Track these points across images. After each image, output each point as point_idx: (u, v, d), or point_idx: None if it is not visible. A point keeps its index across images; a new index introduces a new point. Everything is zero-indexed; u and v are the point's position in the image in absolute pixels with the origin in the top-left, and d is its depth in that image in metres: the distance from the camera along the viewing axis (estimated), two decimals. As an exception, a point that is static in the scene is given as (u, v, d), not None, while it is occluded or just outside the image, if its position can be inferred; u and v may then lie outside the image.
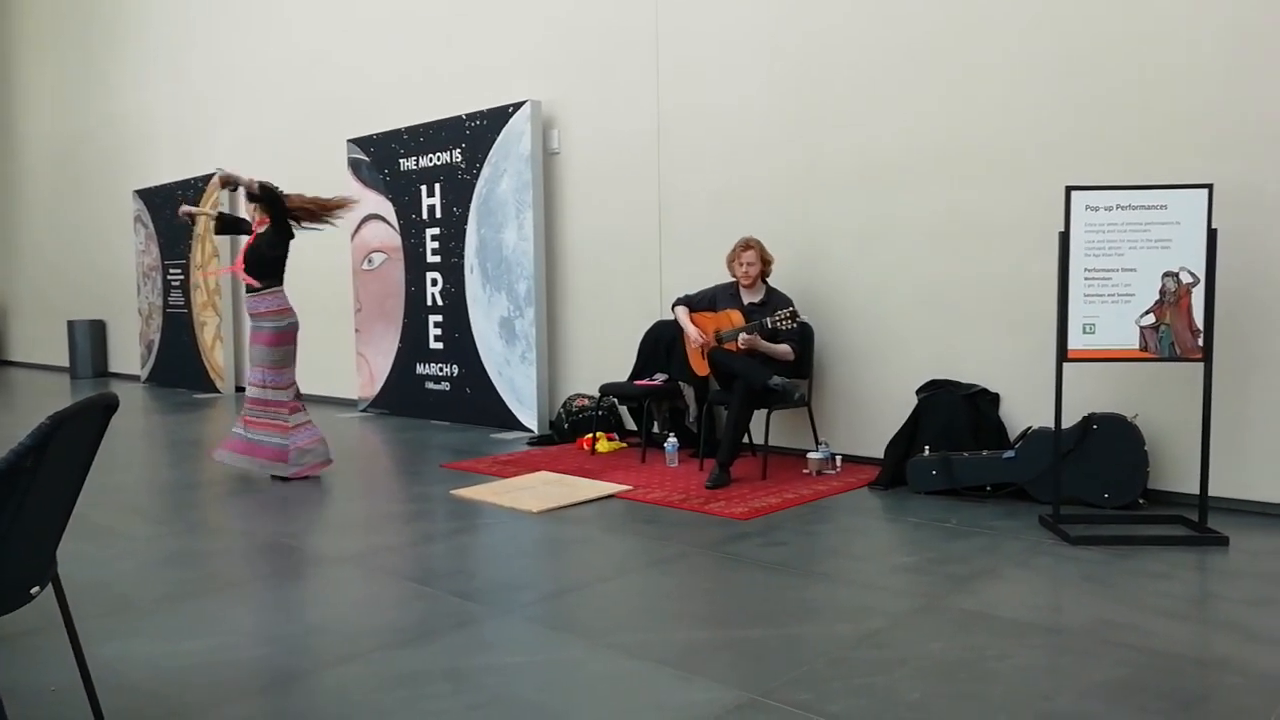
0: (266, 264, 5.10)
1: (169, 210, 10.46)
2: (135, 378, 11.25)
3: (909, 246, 5.00)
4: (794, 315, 4.74)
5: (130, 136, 11.37)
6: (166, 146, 10.83)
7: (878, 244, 5.11)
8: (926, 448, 4.58)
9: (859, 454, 5.18)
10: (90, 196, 12.21)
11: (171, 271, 10.55)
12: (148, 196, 10.86)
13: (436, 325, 7.36)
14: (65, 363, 12.12)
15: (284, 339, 5.09)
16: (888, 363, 5.09)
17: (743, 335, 4.79)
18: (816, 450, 5.05)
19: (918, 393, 4.83)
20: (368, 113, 8.10)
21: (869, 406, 5.17)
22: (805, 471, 5.00)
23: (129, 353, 11.57)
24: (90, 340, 11.91)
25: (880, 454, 4.89)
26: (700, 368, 5.22)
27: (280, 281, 5.12)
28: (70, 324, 11.89)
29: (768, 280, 5.16)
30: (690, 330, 5.17)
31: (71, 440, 2.19)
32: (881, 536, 3.96)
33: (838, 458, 5.06)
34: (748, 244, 5.05)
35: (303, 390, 8.30)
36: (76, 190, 12.46)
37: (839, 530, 4.00)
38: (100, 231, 12.06)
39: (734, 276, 5.12)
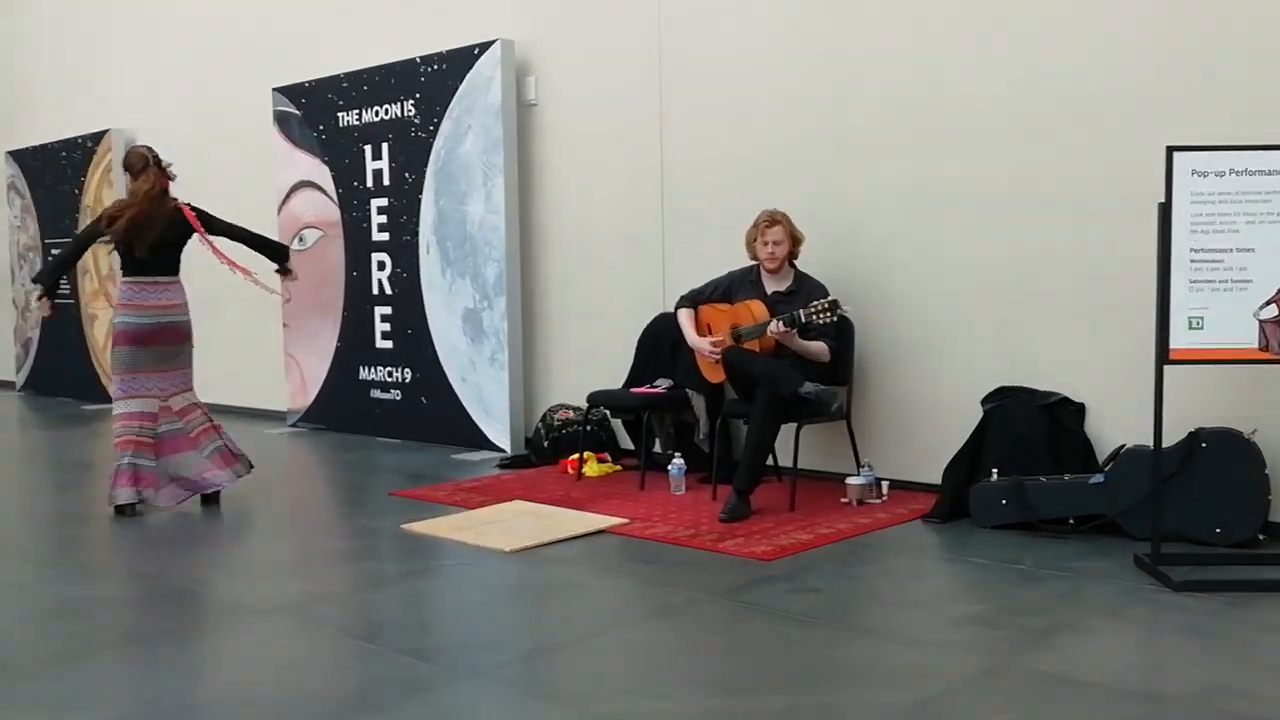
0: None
1: (49, 175, 10.47)
2: (9, 385, 11.25)
3: (968, 222, 5.01)
4: (835, 306, 4.75)
5: (1, 86, 11.37)
6: (46, 100, 10.83)
7: (929, 220, 5.13)
8: (994, 471, 4.59)
9: (910, 479, 5.20)
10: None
11: (54, 251, 10.56)
12: (24, 159, 10.87)
13: (384, 319, 7.38)
14: (-79, 366, 12.11)
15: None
16: (945, 366, 5.10)
17: (775, 325, 4.79)
18: (857, 474, 5.06)
19: (983, 403, 4.85)
20: (298, 55, 8.12)
21: (922, 420, 5.17)
22: (844, 501, 5.01)
23: (0, 354, 11.56)
24: (-48, 338, 11.90)
25: (936, 479, 4.91)
26: (713, 372, 5.23)
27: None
28: (-73, 318, 11.89)
29: (796, 264, 5.18)
30: (696, 342, 5.18)
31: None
32: (938, 581, 3.95)
33: (884, 484, 5.07)
34: (774, 218, 5.07)
35: (215, 400, 8.30)
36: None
37: (885, 573, 3.98)
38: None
39: (756, 259, 5.13)
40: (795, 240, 5.06)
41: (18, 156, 10.88)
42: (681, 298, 5.37)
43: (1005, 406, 4.75)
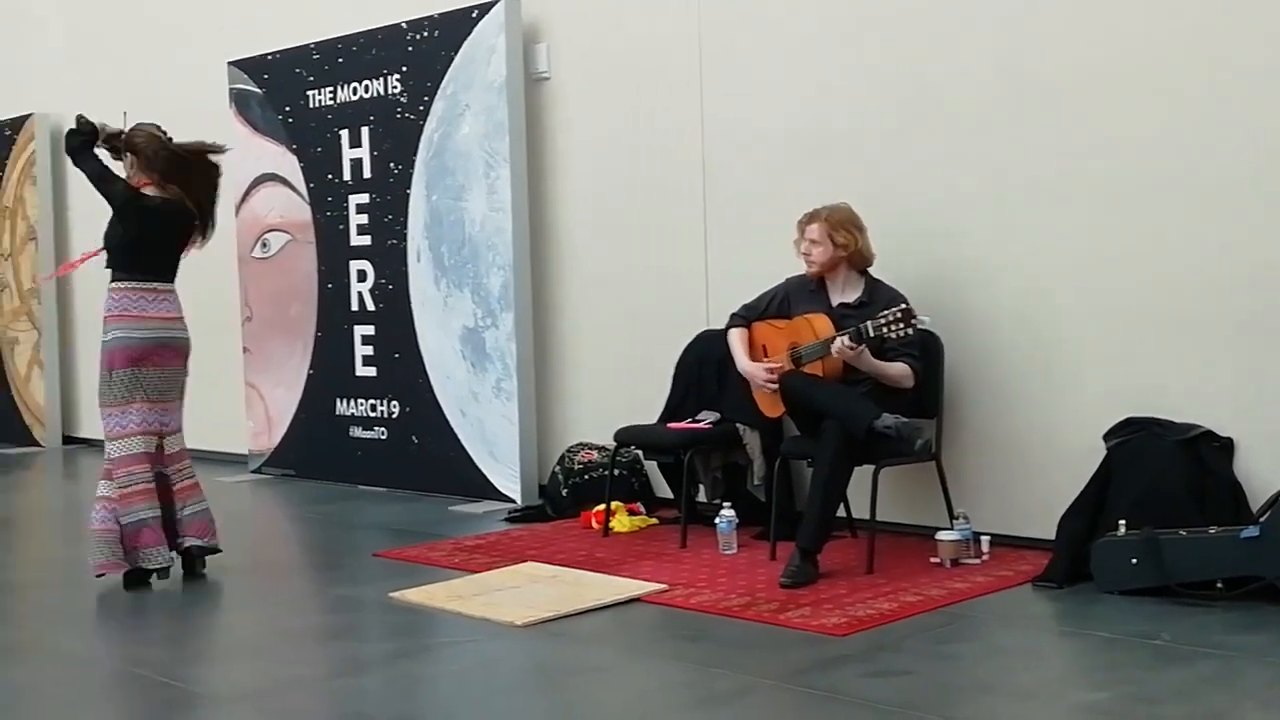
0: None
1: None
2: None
3: (1087, 217, 4.98)
4: (908, 316, 4.73)
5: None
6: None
7: (1038, 214, 5.09)
8: (1122, 524, 4.54)
9: (1016, 533, 5.15)
10: None
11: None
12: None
13: (366, 341, 7.41)
14: None
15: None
16: (1058, 393, 5.07)
17: (839, 343, 4.78)
18: (951, 529, 5.03)
19: (1106, 439, 4.81)
20: (258, 22, 8.19)
21: (1031, 461, 5.14)
22: (934, 561, 4.98)
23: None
24: None
25: (1049, 534, 4.86)
26: (770, 404, 5.22)
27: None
28: None
29: (868, 270, 5.17)
30: (749, 369, 5.18)
31: None
32: (1054, 661, 3.91)
33: (984, 540, 5.04)
34: (811, 215, 5.10)
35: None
36: None
37: (988, 651, 3.95)
38: None
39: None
40: (840, 244, 5.04)
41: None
42: (732, 315, 5.36)
43: (1134, 443, 4.70)
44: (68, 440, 9.93)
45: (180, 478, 5.21)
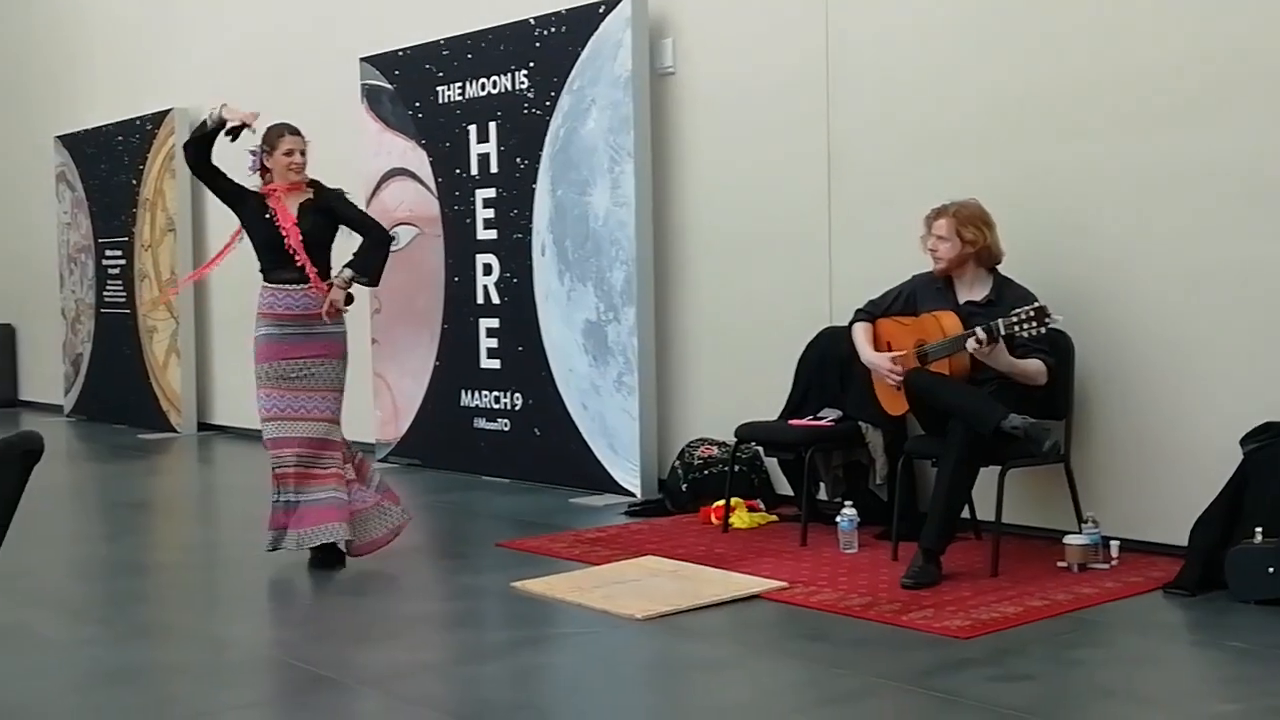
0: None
1: (104, 163, 10.99)
2: (56, 408, 11.83)
3: (1229, 214, 4.87)
4: (1042, 314, 4.66)
5: (50, 61, 11.98)
6: (101, 76, 11.37)
7: (1177, 210, 5.00)
8: (1259, 531, 4.45)
9: (1147, 539, 5.08)
10: (-3, 146, 12.90)
11: (109, 254, 11.07)
12: (75, 145, 11.43)
13: (491, 334, 7.51)
14: (-41, 386, 12.82)
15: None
16: (1194, 395, 4.97)
17: (974, 341, 4.73)
18: (1079, 532, 4.96)
19: (1243, 443, 4.70)
20: (389, 18, 8.34)
21: (1163, 464, 5.05)
22: (1062, 565, 4.92)
23: (47, 372, 12.16)
24: (-6, 354, 12.58)
25: (1181, 539, 4.78)
26: (894, 402, 5.18)
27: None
28: (-34, 331, 12.59)
29: (997, 268, 5.10)
30: (873, 359, 5.15)
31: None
32: (1184, 670, 3.85)
33: (1113, 544, 4.96)
34: (939, 211, 5.05)
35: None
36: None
37: (1115, 659, 3.90)
38: (7, 196, 12.72)
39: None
40: (968, 240, 4.98)
41: (68, 142, 11.44)
42: (857, 310, 5.34)
43: (1273, 448, 4.59)
44: (203, 427, 10.22)
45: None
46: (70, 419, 11.37)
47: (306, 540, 5.17)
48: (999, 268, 5.12)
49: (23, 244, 12.42)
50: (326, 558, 5.24)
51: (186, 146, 5.47)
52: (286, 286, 5.30)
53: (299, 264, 5.26)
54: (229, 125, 5.26)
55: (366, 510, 5.29)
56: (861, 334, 5.27)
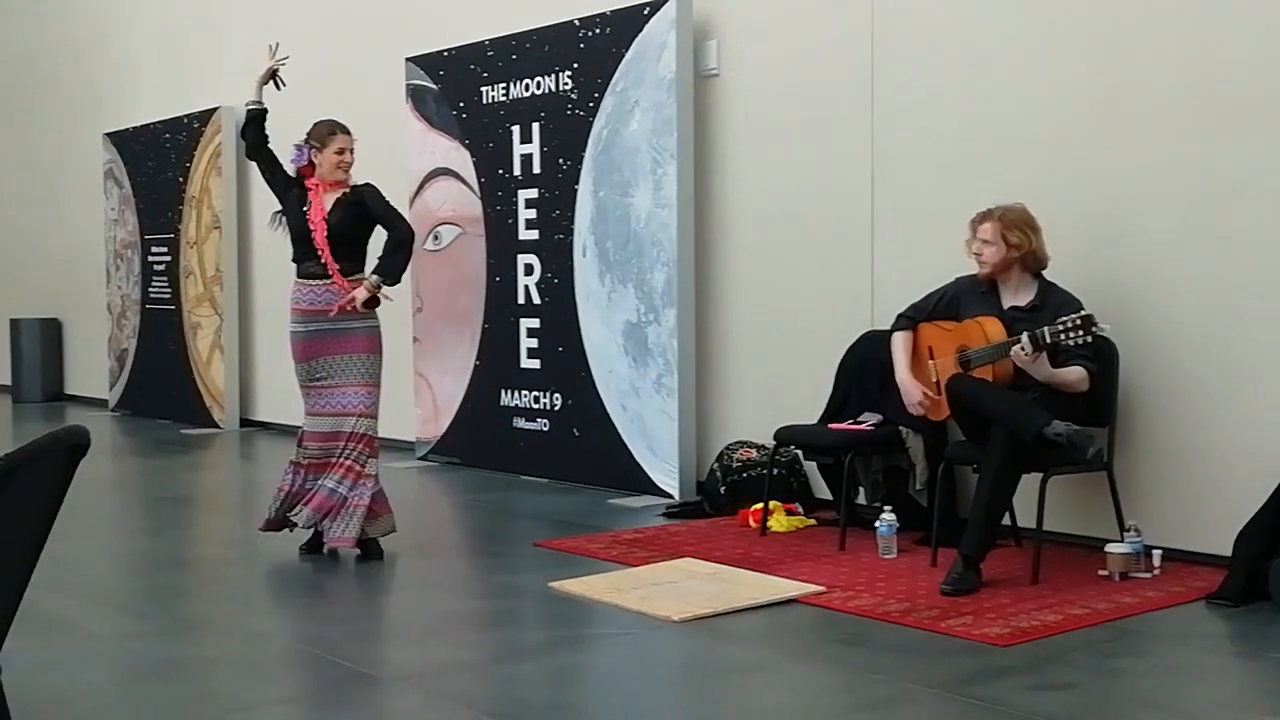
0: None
1: (151, 161, 11.09)
2: (101, 403, 11.95)
3: (1268, 220, 4.82)
4: (1088, 323, 4.63)
5: (99, 59, 12.11)
6: (148, 74, 11.48)
7: (1226, 215, 4.95)
8: (1304, 541, 4.39)
9: (1190, 548, 5.04)
10: (42, 143, 13.05)
11: (155, 250, 11.18)
12: (123, 142, 11.55)
13: (531, 334, 7.52)
14: (6, 380, 12.96)
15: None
16: (1239, 403, 4.92)
17: (1017, 349, 4.70)
18: (1121, 541, 4.93)
19: (1289, 453, 4.65)
20: (434, 19, 8.38)
21: (1208, 473, 5.00)
22: (1103, 573, 4.88)
23: (93, 367, 12.30)
24: (41, 349, 12.73)
25: (1225, 549, 4.73)
26: (934, 408, 5.16)
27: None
28: (14, 325, 12.74)
29: (1042, 273, 5.07)
30: (906, 383, 5.17)
31: (26, 495, 2.35)
32: (1227, 682, 3.82)
33: (1155, 553, 4.92)
34: (984, 215, 5.03)
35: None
36: (23, 135, 13.35)
37: (1157, 669, 3.88)
38: (56, 192, 12.87)
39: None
40: (1013, 244, 4.95)
41: (116, 139, 11.56)
42: (899, 315, 5.31)
43: (1319, 458, 4.54)
44: (244, 422, 10.30)
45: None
46: (115, 413, 11.49)
47: (307, 520, 5.30)
48: (1044, 273, 5.09)
49: (71, 240, 12.56)
50: (313, 544, 5.40)
51: (243, 134, 5.63)
52: (310, 281, 5.39)
53: (324, 260, 5.32)
54: (260, 80, 5.56)
55: (359, 508, 5.29)
56: (900, 346, 5.24)
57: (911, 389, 5.12)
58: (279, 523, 5.39)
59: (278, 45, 5.64)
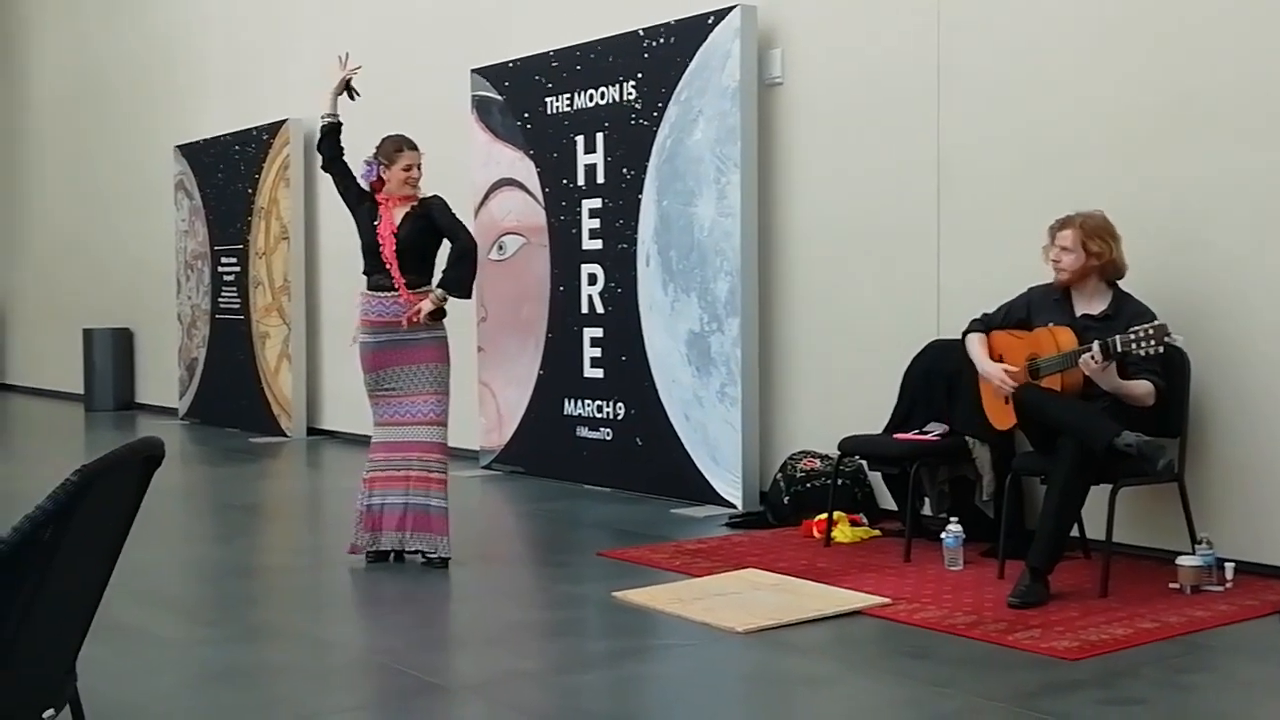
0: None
1: (221, 172, 11.26)
2: (171, 411, 12.14)
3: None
4: (1161, 333, 4.56)
5: (170, 73, 12.32)
6: (218, 87, 11.66)
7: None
8: (1383, 556, 4.31)
9: (1263, 561, 4.97)
10: (115, 155, 13.29)
11: (224, 260, 11.33)
12: (194, 155, 11.73)
13: (595, 343, 7.54)
14: (79, 388, 13.19)
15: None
16: (1315, 414, 4.83)
17: (1088, 357, 4.65)
18: (1193, 553, 4.86)
19: (1367, 465, 4.56)
20: (499, 30, 8.44)
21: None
22: (1173, 586, 4.83)
23: (163, 376, 12.48)
24: (113, 358, 12.95)
25: (1302, 563, 4.65)
26: (1002, 416, 5.12)
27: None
28: (87, 335, 12.97)
29: (1118, 283, 5.01)
30: (988, 369, 5.09)
31: (103, 506, 2.39)
32: (1304, 699, 3.74)
33: (1228, 566, 4.85)
34: (1064, 221, 4.97)
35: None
36: (96, 147, 13.60)
37: (1230, 684, 3.84)
38: (128, 204, 13.10)
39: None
40: (1094, 252, 4.89)
41: (187, 152, 11.75)
42: (972, 321, 5.27)
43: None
44: (312, 431, 10.41)
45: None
46: (184, 422, 11.66)
47: (404, 543, 5.38)
48: (1119, 282, 5.03)
49: (142, 250, 12.77)
50: (379, 552, 5.45)
51: (319, 147, 5.71)
52: (378, 293, 5.45)
53: (392, 273, 5.39)
54: (334, 92, 5.61)
55: (442, 525, 5.36)
56: (977, 344, 5.20)
57: (994, 371, 5.04)
58: (373, 554, 5.43)
59: (348, 55, 5.70)
